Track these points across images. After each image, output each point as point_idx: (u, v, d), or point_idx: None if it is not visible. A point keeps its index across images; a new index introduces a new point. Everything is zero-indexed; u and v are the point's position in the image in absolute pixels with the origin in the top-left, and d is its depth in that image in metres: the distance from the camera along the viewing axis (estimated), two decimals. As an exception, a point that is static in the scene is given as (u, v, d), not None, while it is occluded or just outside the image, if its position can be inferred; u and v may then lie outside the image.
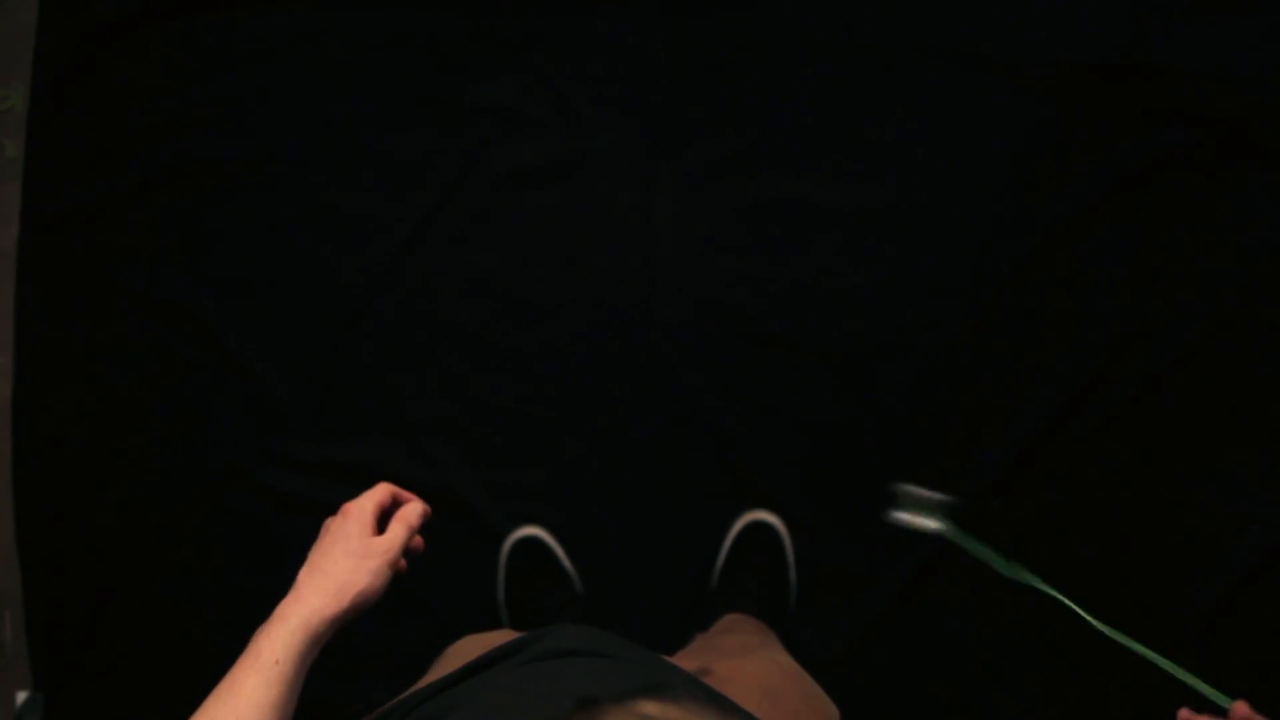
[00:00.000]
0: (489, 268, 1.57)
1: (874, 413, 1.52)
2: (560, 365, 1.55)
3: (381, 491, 0.81)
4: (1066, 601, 0.73)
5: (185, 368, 1.57)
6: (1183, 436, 1.48)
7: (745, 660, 1.04)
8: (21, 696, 1.53)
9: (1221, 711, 0.68)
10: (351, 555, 0.74)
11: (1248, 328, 1.49)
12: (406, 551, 0.79)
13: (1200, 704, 0.68)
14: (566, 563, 1.48)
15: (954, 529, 0.77)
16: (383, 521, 0.80)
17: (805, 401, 1.52)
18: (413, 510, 0.81)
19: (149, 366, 1.58)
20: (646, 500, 1.51)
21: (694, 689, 0.71)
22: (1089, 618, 0.72)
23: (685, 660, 1.01)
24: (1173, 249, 1.51)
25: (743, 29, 1.59)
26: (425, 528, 0.81)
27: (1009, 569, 0.75)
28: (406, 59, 1.61)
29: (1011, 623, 1.47)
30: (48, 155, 1.62)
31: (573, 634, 0.75)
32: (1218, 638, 1.45)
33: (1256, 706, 1.46)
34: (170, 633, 1.54)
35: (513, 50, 1.60)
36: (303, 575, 0.74)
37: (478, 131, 1.59)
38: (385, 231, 1.58)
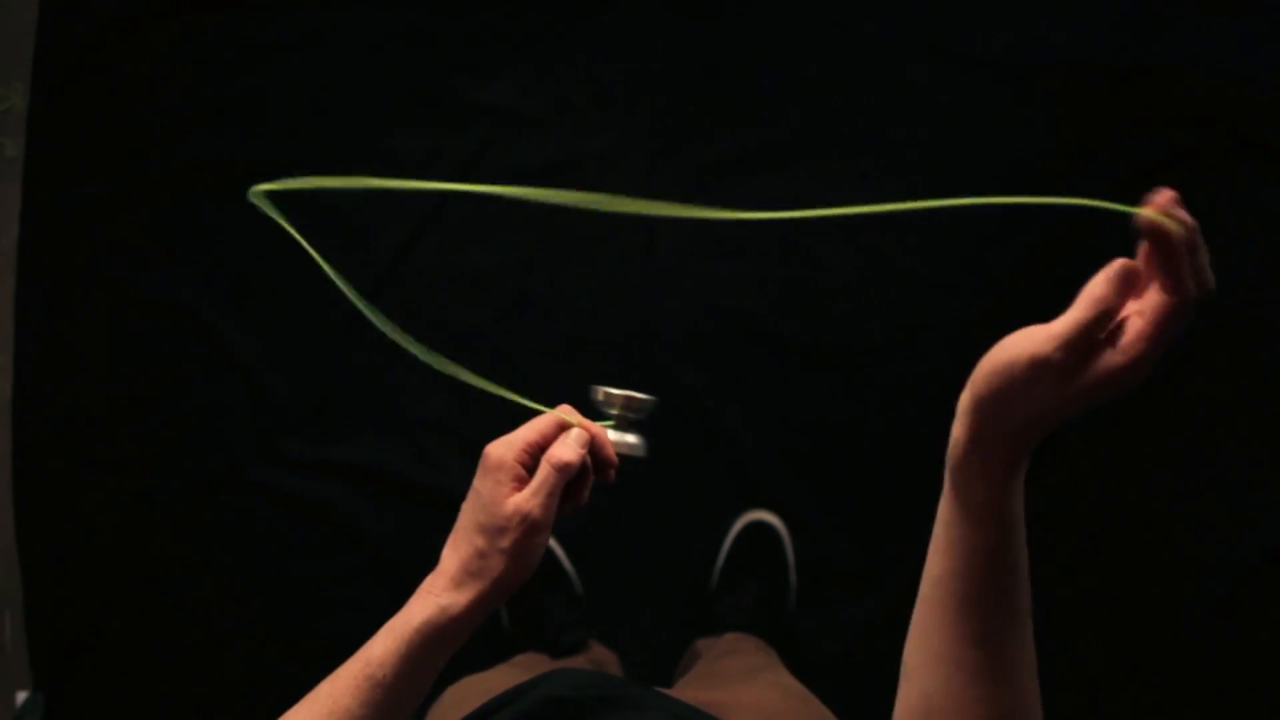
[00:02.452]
0: (489, 268, 1.57)
1: (874, 413, 1.52)
2: (560, 365, 1.55)
3: (535, 430, 0.63)
4: None
5: (185, 368, 1.57)
6: (1183, 436, 1.48)
7: (748, 685, 1.01)
8: (21, 696, 1.53)
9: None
10: (482, 531, 0.60)
11: (1248, 327, 1.49)
12: (596, 471, 0.64)
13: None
14: (566, 563, 1.48)
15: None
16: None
17: (805, 401, 1.52)
18: (564, 447, 0.62)
19: (149, 366, 1.58)
20: (646, 500, 1.51)
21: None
22: None
23: (688, 688, 1.00)
24: (1173, 249, 1.51)
25: (743, 29, 1.59)
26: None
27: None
28: (407, 59, 1.61)
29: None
30: (48, 155, 1.62)
31: (566, 680, 0.72)
32: (1218, 638, 1.45)
33: (1257, 707, 1.47)
34: (170, 633, 1.54)
35: (513, 50, 1.60)
36: (447, 544, 0.62)
37: (478, 131, 1.59)
38: (385, 231, 1.58)
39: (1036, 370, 0.48)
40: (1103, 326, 0.47)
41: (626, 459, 0.68)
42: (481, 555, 0.60)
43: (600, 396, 0.68)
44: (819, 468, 1.51)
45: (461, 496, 0.65)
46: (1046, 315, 0.50)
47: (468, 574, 0.59)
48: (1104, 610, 1.47)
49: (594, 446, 0.65)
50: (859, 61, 1.57)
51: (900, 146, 1.55)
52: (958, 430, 0.53)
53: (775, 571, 1.45)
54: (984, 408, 0.50)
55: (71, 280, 1.60)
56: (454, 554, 0.61)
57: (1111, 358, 0.47)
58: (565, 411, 0.65)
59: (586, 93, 1.59)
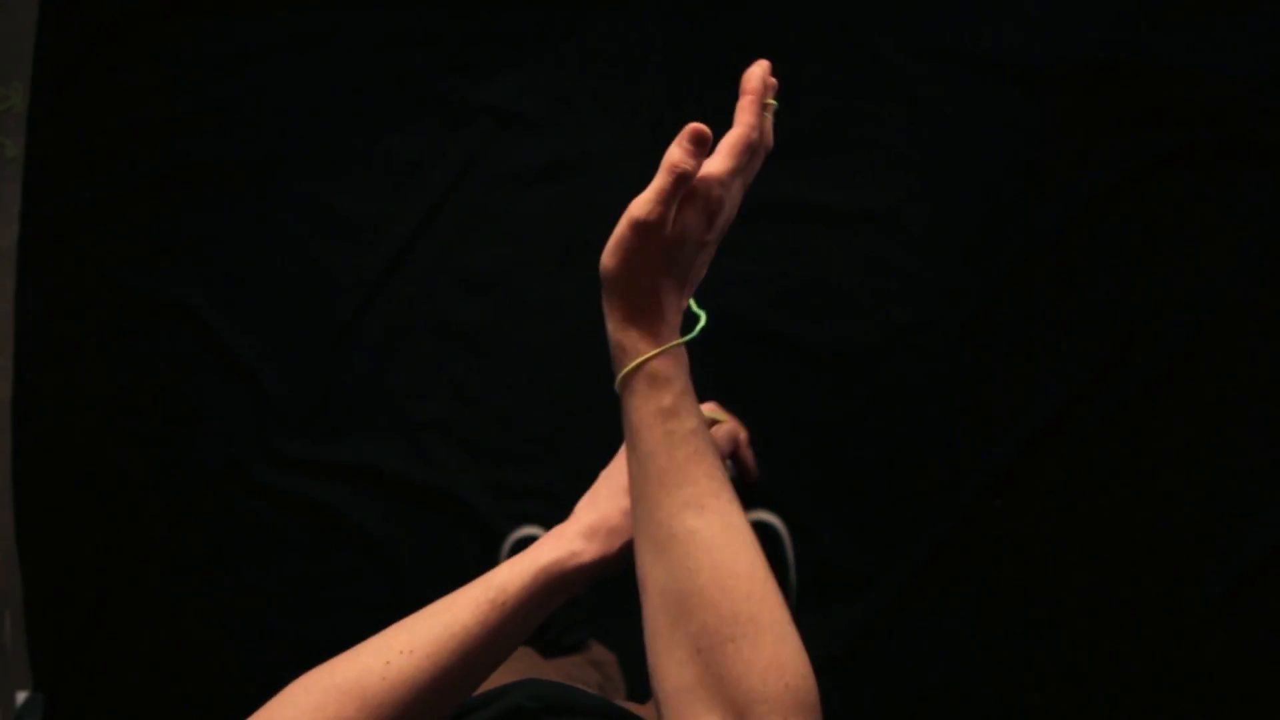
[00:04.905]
0: (489, 268, 1.57)
1: (874, 413, 1.52)
2: (560, 365, 1.55)
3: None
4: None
5: (185, 368, 1.57)
6: (1183, 436, 1.48)
7: None
8: (21, 696, 1.53)
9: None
10: (627, 495, 0.63)
11: (1247, 327, 1.49)
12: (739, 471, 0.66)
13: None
14: (567, 563, 1.48)
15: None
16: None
17: (805, 401, 1.52)
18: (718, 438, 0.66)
19: (149, 366, 1.58)
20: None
21: None
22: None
23: None
24: (1173, 249, 1.51)
25: (742, 29, 1.59)
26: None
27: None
28: (406, 59, 1.61)
29: (1011, 623, 1.47)
30: (48, 155, 1.62)
31: (531, 691, 0.72)
32: (1218, 637, 1.45)
33: (1258, 706, 1.47)
34: (170, 633, 1.54)
35: (513, 50, 1.60)
36: (583, 501, 0.65)
37: (478, 131, 1.59)
38: (385, 231, 1.58)
39: (640, 231, 0.57)
40: (682, 185, 0.56)
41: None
42: (624, 516, 0.62)
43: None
44: (819, 468, 1.51)
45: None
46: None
47: (607, 529, 0.62)
48: (1103, 609, 1.47)
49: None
50: (859, 61, 1.57)
51: (900, 146, 1.55)
52: (612, 327, 0.60)
53: (775, 571, 1.45)
54: (618, 286, 0.59)
55: (71, 280, 1.60)
56: (593, 509, 0.63)
57: (699, 195, 0.57)
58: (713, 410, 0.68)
59: (586, 93, 1.59)
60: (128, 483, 1.56)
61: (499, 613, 0.59)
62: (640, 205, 0.57)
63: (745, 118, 0.61)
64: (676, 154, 0.56)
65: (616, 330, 0.61)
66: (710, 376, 1.54)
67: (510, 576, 0.61)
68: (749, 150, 0.60)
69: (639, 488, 0.59)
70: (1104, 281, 1.50)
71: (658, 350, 0.59)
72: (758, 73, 0.62)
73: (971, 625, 1.48)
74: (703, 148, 0.56)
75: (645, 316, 0.60)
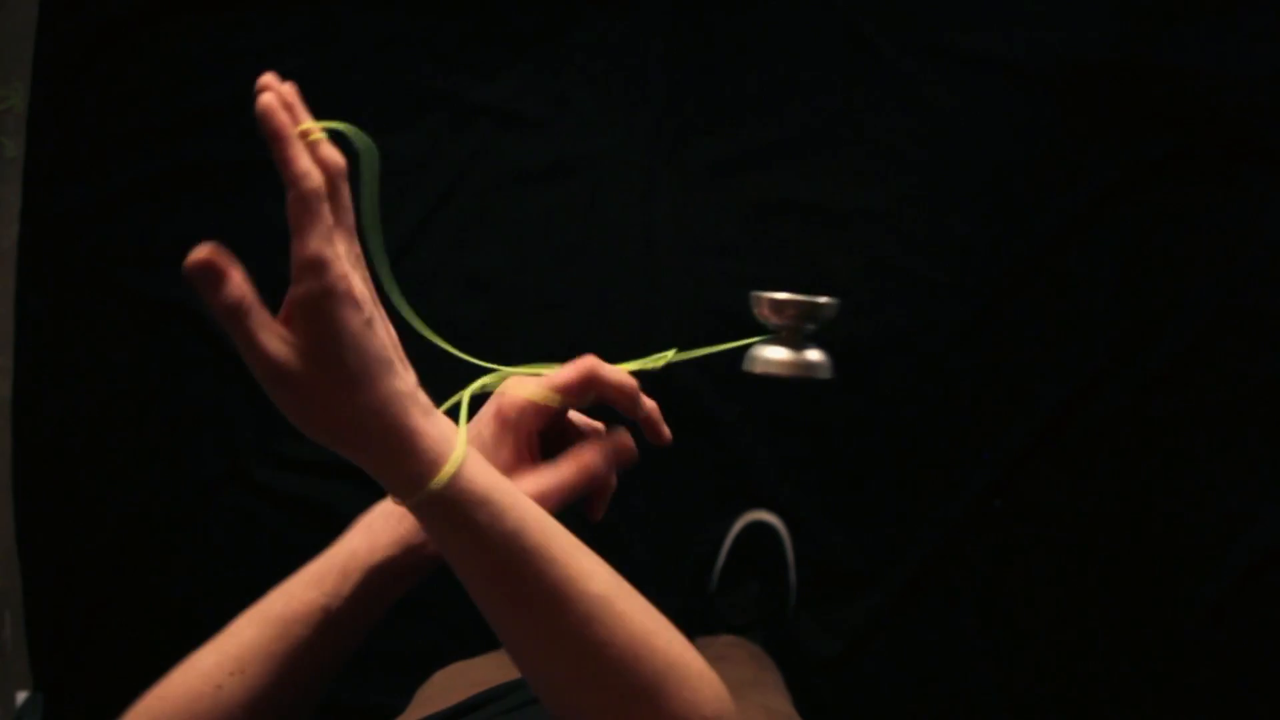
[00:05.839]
0: (489, 268, 1.57)
1: (874, 412, 1.52)
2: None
3: (557, 383, 0.58)
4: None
5: (185, 368, 1.57)
6: (1183, 436, 1.48)
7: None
8: (21, 696, 1.53)
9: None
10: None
11: (1247, 328, 1.49)
12: (649, 434, 0.58)
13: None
14: (566, 563, 1.48)
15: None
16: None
17: (805, 401, 1.52)
18: (596, 452, 0.59)
19: (149, 366, 1.58)
20: (646, 500, 1.51)
21: None
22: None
23: None
24: (1173, 249, 1.51)
25: (742, 29, 1.59)
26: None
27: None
28: (406, 59, 1.61)
29: (1012, 623, 1.48)
30: (48, 155, 1.62)
31: None
32: (1218, 638, 1.45)
33: (1258, 708, 1.47)
34: (170, 633, 1.53)
35: (513, 50, 1.60)
36: None
37: (478, 131, 1.59)
38: (385, 231, 1.58)
39: (290, 390, 0.47)
40: (247, 316, 0.46)
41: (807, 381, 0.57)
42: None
43: (764, 305, 0.53)
44: (819, 468, 1.51)
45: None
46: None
47: None
48: (1103, 610, 1.47)
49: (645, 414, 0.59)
50: (858, 61, 1.57)
51: (900, 146, 1.55)
52: (373, 474, 0.50)
53: (775, 571, 1.45)
54: (332, 441, 0.49)
55: (71, 280, 1.60)
56: None
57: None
58: (593, 365, 0.58)
59: (586, 93, 1.59)
60: (128, 483, 1.56)
61: (332, 620, 0.56)
62: (259, 368, 0.46)
63: (287, 172, 0.45)
64: (213, 300, 0.44)
65: (377, 475, 0.48)
66: (711, 376, 1.54)
67: (344, 578, 0.57)
68: (318, 203, 0.46)
69: (482, 607, 0.52)
70: (1104, 281, 1.50)
71: (421, 492, 0.46)
72: (269, 109, 0.44)
73: (972, 625, 1.48)
74: (215, 275, 0.44)
75: (388, 445, 0.47)
